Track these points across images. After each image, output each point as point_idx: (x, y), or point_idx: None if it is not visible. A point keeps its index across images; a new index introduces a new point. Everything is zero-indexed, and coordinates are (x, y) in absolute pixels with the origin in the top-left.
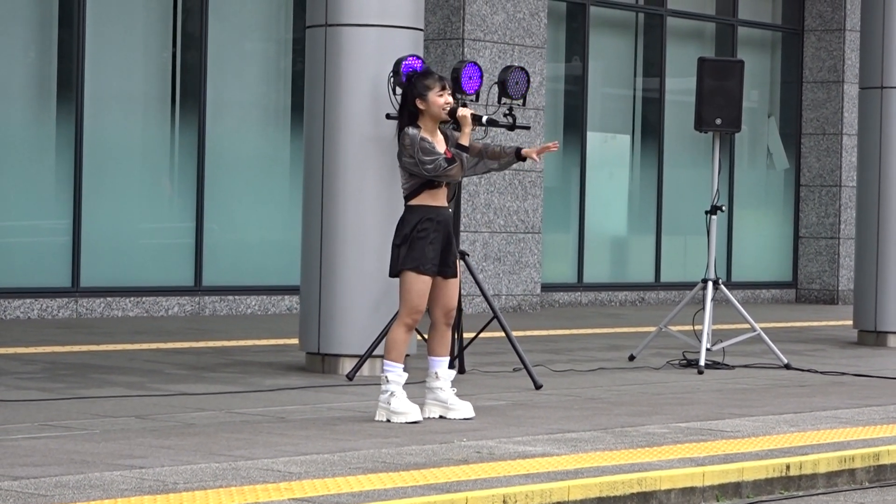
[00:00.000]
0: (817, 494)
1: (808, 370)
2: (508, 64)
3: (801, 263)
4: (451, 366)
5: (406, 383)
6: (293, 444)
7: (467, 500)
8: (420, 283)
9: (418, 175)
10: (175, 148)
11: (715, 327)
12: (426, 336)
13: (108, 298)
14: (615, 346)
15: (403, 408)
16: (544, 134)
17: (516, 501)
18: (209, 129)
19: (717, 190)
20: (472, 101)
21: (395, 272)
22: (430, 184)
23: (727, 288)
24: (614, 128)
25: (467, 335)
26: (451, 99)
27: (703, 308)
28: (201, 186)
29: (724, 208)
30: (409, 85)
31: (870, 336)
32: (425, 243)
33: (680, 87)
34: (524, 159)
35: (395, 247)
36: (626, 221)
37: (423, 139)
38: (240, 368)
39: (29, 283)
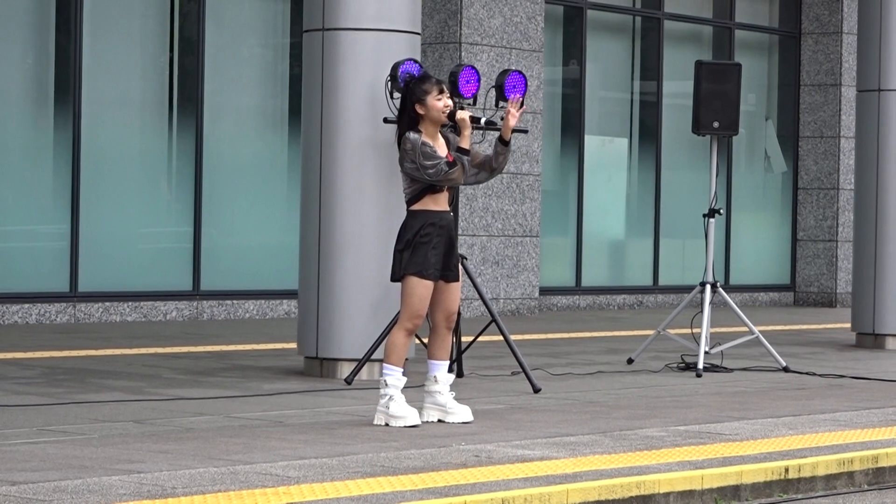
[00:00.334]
0: (816, 497)
1: (807, 373)
2: (506, 68)
3: (799, 266)
4: (449, 370)
5: (404, 387)
6: (291, 449)
7: None
8: (422, 288)
9: (420, 180)
10: (173, 152)
11: (713, 330)
12: (425, 340)
13: (107, 303)
14: (613, 349)
15: (402, 412)
16: (542, 137)
17: None
18: (207, 134)
19: (715, 193)
20: (469, 104)
21: (397, 277)
22: (432, 188)
23: (725, 291)
24: (612, 131)
25: (466, 339)
26: (450, 102)
27: (702, 311)
28: (199, 191)
29: (721, 211)
30: (408, 90)
31: (868, 339)
32: (428, 248)
33: (677, 90)
34: (508, 142)
35: (398, 252)
36: (624, 225)
37: (424, 144)
38: (238, 373)
39: (27, 288)
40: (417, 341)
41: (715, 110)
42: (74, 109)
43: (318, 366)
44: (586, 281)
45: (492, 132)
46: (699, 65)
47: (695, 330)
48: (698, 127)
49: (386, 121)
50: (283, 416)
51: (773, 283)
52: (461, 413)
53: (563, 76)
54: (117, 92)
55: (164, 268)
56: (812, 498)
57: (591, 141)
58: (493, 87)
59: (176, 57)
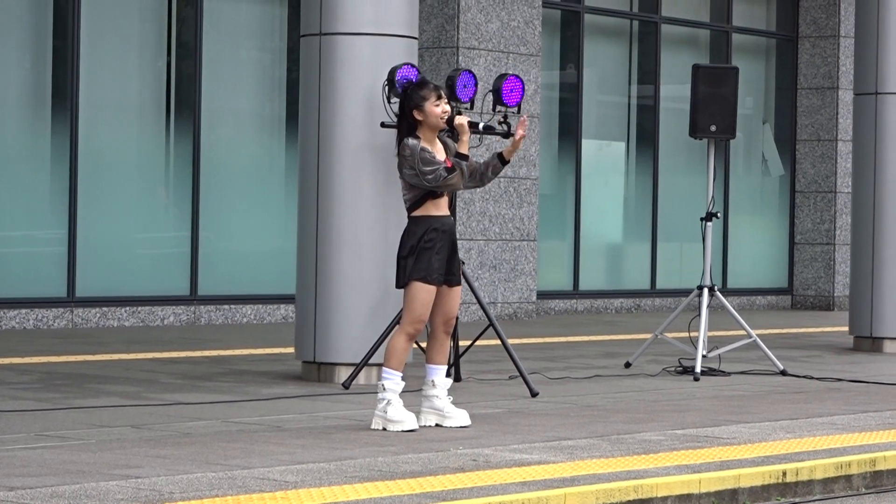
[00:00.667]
0: (814, 501)
1: (804, 376)
2: (503, 72)
3: (796, 270)
4: (447, 374)
5: (402, 391)
6: (289, 453)
7: None
8: (425, 293)
9: (419, 186)
10: (170, 157)
11: (711, 334)
12: (423, 345)
13: (104, 308)
14: (611, 353)
15: (400, 416)
16: (539, 141)
17: None
18: (204, 139)
19: (713, 197)
20: (466, 108)
21: (402, 283)
22: (433, 193)
23: (723, 294)
24: (609, 135)
25: (463, 343)
26: (448, 108)
27: (699, 315)
28: (196, 195)
29: (719, 215)
30: (406, 96)
31: (865, 342)
32: (432, 254)
33: (674, 94)
34: (508, 161)
35: (402, 258)
36: (622, 228)
37: (423, 149)
38: (236, 378)
39: (24, 294)
40: (415, 346)
41: (712, 114)
42: (72, 114)
43: (315, 370)
44: (584, 285)
45: (489, 137)
46: (696, 68)
47: (692, 333)
48: (695, 130)
49: (383, 125)
50: (281, 420)
51: (770, 287)
52: (459, 417)
53: (560, 80)
54: (115, 96)
55: (162, 273)
56: (810, 502)
57: (588, 145)
58: (490, 91)
59: (173, 61)
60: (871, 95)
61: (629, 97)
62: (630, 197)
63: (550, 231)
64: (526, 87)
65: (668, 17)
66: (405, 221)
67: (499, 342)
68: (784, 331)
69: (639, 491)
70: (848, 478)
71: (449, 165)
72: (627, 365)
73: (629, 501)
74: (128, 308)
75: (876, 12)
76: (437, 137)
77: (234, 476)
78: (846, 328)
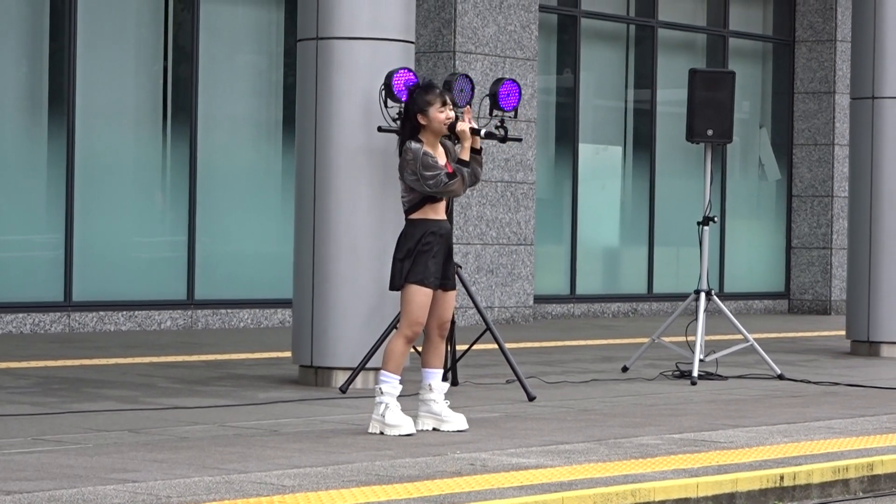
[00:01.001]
0: None
1: (802, 380)
2: (500, 76)
3: (793, 274)
4: (444, 378)
5: (399, 396)
6: (286, 458)
7: None
8: (422, 296)
9: (420, 190)
10: (167, 161)
11: (708, 338)
12: (419, 349)
13: (101, 312)
14: (608, 357)
15: (397, 420)
16: (536, 146)
17: None
18: (201, 143)
19: (710, 201)
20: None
21: (397, 286)
22: (432, 197)
23: (720, 299)
24: (606, 139)
25: (460, 347)
26: (452, 114)
27: (696, 319)
28: (193, 200)
29: (716, 219)
30: (411, 99)
31: (862, 346)
32: (428, 257)
33: (671, 98)
34: (467, 161)
35: (398, 261)
36: (619, 233)
37: (426, 154)
38: (233, 382)
39: (21, 298)
40: (413, 350)
41: (709, 118)
42: (68, 118)
43: (312, 374)
44: (581, 289)
45: (484, 141)
46: (693, 73)
47: (689, 338)
48: (692, 135)
49: (380, 129)
50: (278, 424)
51: (767, 291)
52: (456, 421)
53: (557, 84)
54: (111, 101)
55: (159, 277)
56: None
57: (585, 149)
58: (486, 95)
59: (170, 65)
60: (868, 100)
61: (626, 101)
62: (627, 201)
63: (547, 235)
64: (523, 92)
65: (665, 21)
66: (402, 225)
67: (496, 346)
68: (781, 335)
69: (636, 495)
70: (845, 482)
71: (450, 171)
72: (625, 369)
73: None
74: (125, 312)
75: (873, 17)
76: (439, 141)
77: (232, 480)
78: (843, 332)
